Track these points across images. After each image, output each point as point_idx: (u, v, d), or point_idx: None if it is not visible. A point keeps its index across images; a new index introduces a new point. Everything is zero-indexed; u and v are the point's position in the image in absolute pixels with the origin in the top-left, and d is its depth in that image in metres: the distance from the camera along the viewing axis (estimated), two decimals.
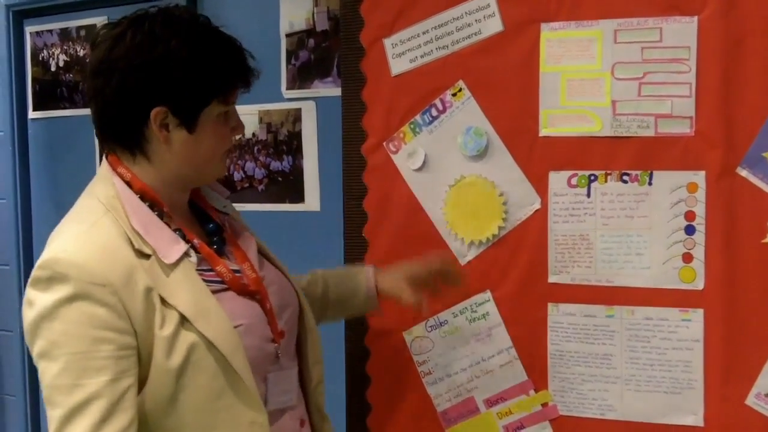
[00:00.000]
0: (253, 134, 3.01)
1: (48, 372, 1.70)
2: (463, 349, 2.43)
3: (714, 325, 2.20)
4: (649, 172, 2.24)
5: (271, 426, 1.90)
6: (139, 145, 1.86)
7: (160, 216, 1.87)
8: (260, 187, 3.03)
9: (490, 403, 2.41)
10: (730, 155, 2.16)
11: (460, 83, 2.39)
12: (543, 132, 2.32)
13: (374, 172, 2.49)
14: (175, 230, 1.87)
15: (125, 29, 1.82)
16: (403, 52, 2.44)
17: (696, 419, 2.23)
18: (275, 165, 3.00)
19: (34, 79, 3.69)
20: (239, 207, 2.92)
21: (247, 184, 3.06)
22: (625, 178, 2.26)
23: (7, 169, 3.72)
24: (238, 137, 2.02)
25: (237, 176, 3.06)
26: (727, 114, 2.16)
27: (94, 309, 1.69)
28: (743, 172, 2.16)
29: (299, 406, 2.05)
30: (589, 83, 2.28)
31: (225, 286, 1.89)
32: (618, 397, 2.29)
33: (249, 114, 2.99)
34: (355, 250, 2.51)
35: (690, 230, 2.21)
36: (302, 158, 2.94)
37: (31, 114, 3.70)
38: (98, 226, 1.79)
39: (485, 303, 2.40)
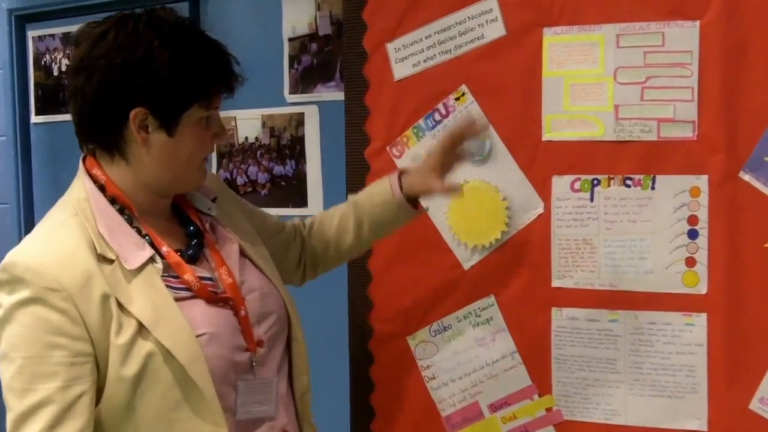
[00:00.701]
0: (256, 138, 3.01)
1: (5, 373, 1.71)
2: (467, 354, 2.43)
3: (717, 329, 2.20)
4: (651, 176, 2.24)
5: None
6: (118, 146, 1.82)
7: (130, 221, 1.84)
8: (263, 192, 3.03)
9: (495, 407, 2.41)
10: (732, 159, 2.17)
11: (463, 87, 2.40)
12: (546, 136, 2.33)
13: (377, 176, 2.47)
14: (144, 236, 1.84)
15: (108, 28, 1.80)
16: (406, 56, 2.45)
17: (700, 424, 2.23)
18: (278, 169, 3.00)
19: (36, 84, 3.69)
20: None
21: (250, 189, 3.06)
22: (628, 182, 2.26)
23: (10, 174, 3.71)
24: (221, 143, 1.98)
25: (240, 180, 3.06)
26: (730, 118, 2.17)
27: (48, 314, 1.68)
28: (746, 177, 2.16)
29: (282, 417, 1.98)
30: (591, 88, 2.28)
31: (192, 294, 1.84)
32: (622, 401, 2.29)
33: (252, 118, 2.98)
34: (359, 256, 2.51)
35: (693, 234, 2.21)
36: (305, 163, 2.94)
37: (34, 119, 3.69)
38: (61, 230, 1.78)
39: (489, 307, 2.40)
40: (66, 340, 1.68)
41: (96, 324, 1.70)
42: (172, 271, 1.83)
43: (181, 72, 1.78)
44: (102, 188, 1.84)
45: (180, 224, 1.98)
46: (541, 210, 2.35)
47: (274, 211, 2.92)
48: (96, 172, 1.85)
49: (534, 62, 2.33)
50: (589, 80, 2.28)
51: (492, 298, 2.40)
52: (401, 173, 2.23)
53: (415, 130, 2.45)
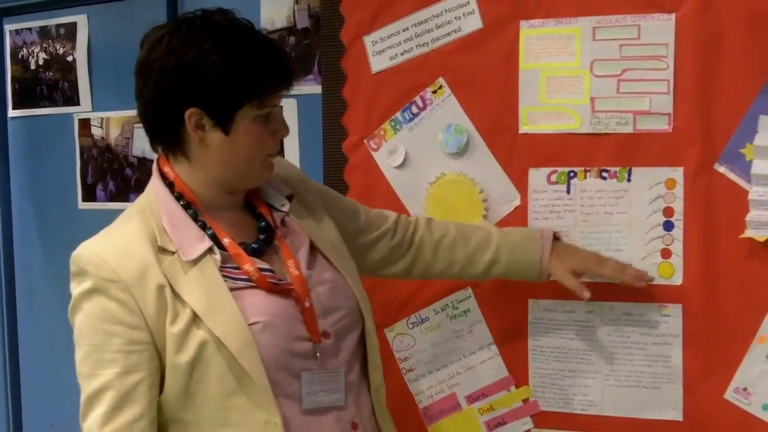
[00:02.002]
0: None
1: (77, 358, 1.83)
2: (444, 346, 2.44)
3: (693, 320, 2.22)
4: (627, 168, 2.25)
5: (308, 423, 1.90)
6: (178, 145, 1.89)
7: (195, 215, 1.90)
8: None
9: (472, 399, 2.42)
10: (708, 151, 2.18)
11: (441, 81, 2.40)
12: (523, 129, 2.34)
13: (355, 169, 2.50)
14: (207, 229, 1.90)
15: (165, 32, 1.86)
16: (384, 49, 2.45)
17: (676, 413, 2.24)
18: None
19: (13, 78, 3.67)
20: None
21: None
22: (605, 174, 2.27)
23: None
24: (282, 138, 2.00)
25: None
26: (705, 111, 2.18)
27: (107, 304, 1.79)
28: (721, 168, 2.17)
29: (351, 408, 1.98)
30: (568, 80, 2.29)
31: (251, 284, 1.88)
32: (598, 392, 2.31)
33: None
34: None
35: (668, 226, 2.23)
36: (283, 155, 2.94)
37: (11, 112, 3.68)
38: (124, 226, 1.89)
39: (466, 299, 2.41)
40: (123, 328, 1.78)
41: (152, 313, 1.79)
42: (233, 262, 1.89)
43: (229, 73, 1.82)
44: (171, 185, 1.92)
45: (253, 218, 2.02)
46: (518, 202, 2.36)
47: None
48: (167, 169, 1.93)
49: (511, 55, 2.34)
50: (566, 73, 2.29)
51: (469, 291, 2.41)
52: (555, 238, 2.27)
53: (392, 123, 2.46)
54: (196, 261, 1.84)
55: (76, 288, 1.84)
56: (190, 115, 1.82)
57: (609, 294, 2.28)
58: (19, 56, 3.64)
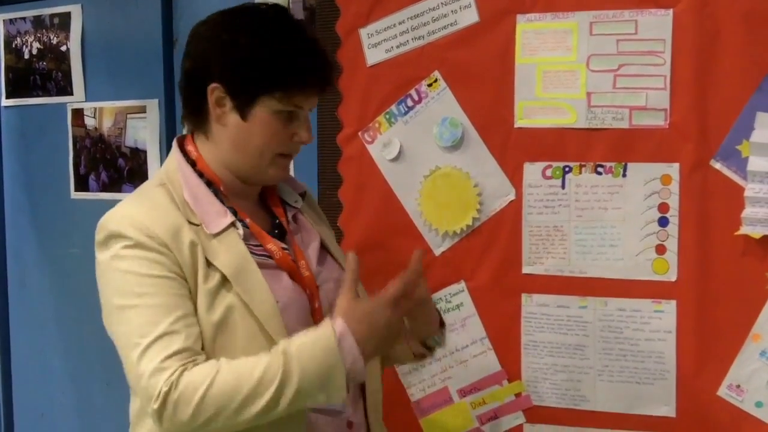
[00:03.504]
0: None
1: (118, 320, 1.77)
2: None
3: (687, 316, 2.21)
4: (623, 164, 2.25)
5: (310, 421, 1.86)
6: (201, 120, 1.90)
7: (216, 194, 1.90)
8: None
9: (464, 393, 2.42)
10: (704, 148, 2.18)
11: (436, 74, 2.40)
12: (518, 123, 2.33)
13: (349, 162, 2.49)
14: (228, 208, 1.89)
15: (218, 13, 1.92)
16: (379, 42, 2.44)
17: (668, 410, 2.24)
18: None
19: (7, 67, 3.66)
20: None
21: None
22: (600, 169, 2.27)
23: None
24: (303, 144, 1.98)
25: None
26: (702, 107, 2.18)
27: (152, 255, 1.76)
28: (717, 165, 2.17)
29: (349, 408, 1.93)
30: (564, 75, 2.29)
31: (272, 262, 1.88)
32: (591, 387, 2.31)
33: None
34: None
35: (663, 222, 2.22)
36: None
37: (4, 101, 3.66)
38: (149, 195, 1.88)
39: (459, 293, 2.41)
40: (173, 274, 1.76)
41: (188, 268, 1.78)
42: (255, 240, 1.89)
43: (260, 57, 1.83)
44: (193, 164, 1.92)
45: (266, 213, 2.02)
46: (512, 197, 2.35)
47: None
48: (190, 148, 1.94)
49: (507, 49, 2.34)
50: (562, 67, 2.29)
51: (462, 284, 2.41)
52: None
53: (387, 116, 2.45)
54: (220, 233, 1.84)
55: (109, 250, 1.80)
56: (213, 89, 1.83)
57: (603, 289, 2.28)
58: (13, 45, 3.63)
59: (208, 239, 1.82)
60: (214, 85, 1.83)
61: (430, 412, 2.46)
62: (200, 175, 1.91)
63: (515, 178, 2.35)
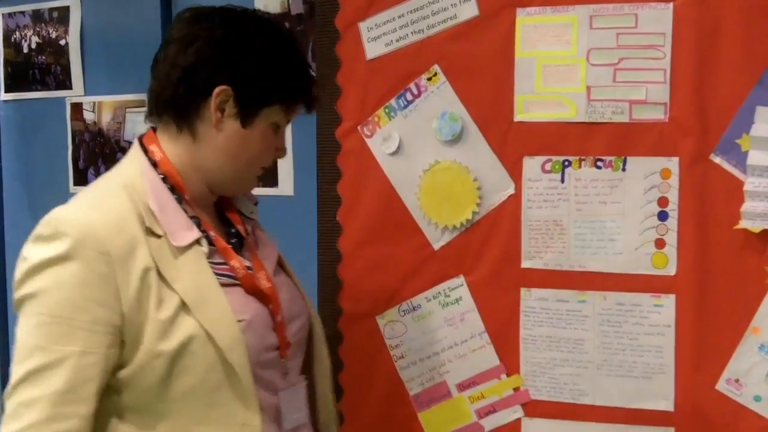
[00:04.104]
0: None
1: (22, 326, 1.67)
2: (435, 334, 2.43)
3: (686, 310, 2.21)
4: (623, 158, 2.25)
5: None
6: (191, 119, 1.83)
7: (179, 202, 1.82)
8: None
9: (462, 387, 2.41)
10: (703, 142, 2.18)
11: (436, 67, 2.39)
12: (518, 117, 2.33)
13: (348, 156, 2.48)
14: (191, 217, 1.83)
15: (214, 10, 1.87)
16: (379, 35, 2.44)
17: (667, 404, 2.24)
18: None
19: (6, 61, 3.66)
20: None
21: None
22: (599, 164, 2.27)
23: None
24: (279, 157, 1.98)
25: None
26: (702, 101, 2.17)
27: (86, 274, 1.65)
28: (716, 159, 2.17)
29: (308, 424, 1.99)
30: (564, 69, 2.28)
31: (235, 281, 1.83)
32: (590, 381, 2.30)
33: None
34: (329, 235, 2.51)
35: (663, 216, 2.22)
36: None
37: (3, 96, 3.67)
38: (110, 199, 1.76)
39: (458, 288, 2.40)
40: (95, 305, 1.65)
41: (132, 296, 1.67)
42: (218, 257, 1.83)
43: (274, 66, 1.83)
44: (154, 164, 1.84)
45: (222, 223, 1.98)
46: (512, 191, 2.35)
47: None
48: (153, 147, 1.85)
49: (507, 43, 2.33)
50: (562, 61, 2.28)
51: (461, 279, 2.40)
52: None
53: (386, 110, 2.44)
54: (185, 248, 1.77)
55: (45, 251, 1.66)
56: (220, 92, 1.79)
57: (602, 284, 2.28)
58: (12, 40, 3.63)
59: (170, 254, 1.74)
60: (222, 87, 1.79)
61: (428, 406, 2.45)
62: (163, 179, 1.83)
63: (515, 172, 2.34)
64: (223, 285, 1.79)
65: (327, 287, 2.53)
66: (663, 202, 2.22)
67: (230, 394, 1.75)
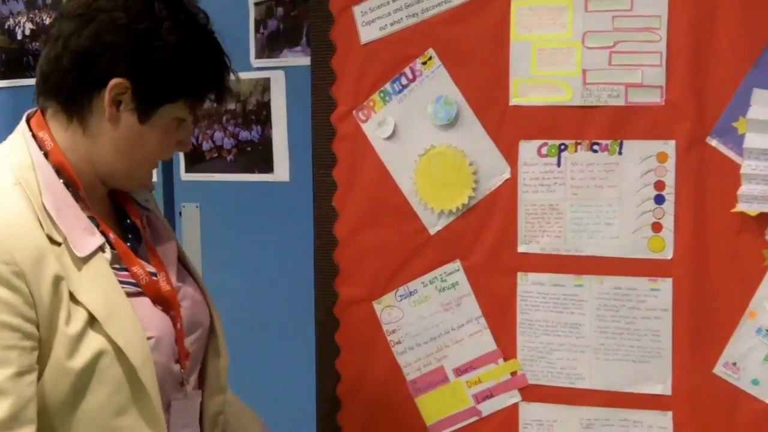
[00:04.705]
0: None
1: None
2: (432, 319, 2.42)
3: (683, 294, 2.21)
4: (619, 141, 2.24)
5: None
6: (81, 110, 1.64)
7: (75, 199, 1.65)
8: (229, 158, 3.01)
9: (460, 372, 2.41)
10: (700, 125, 2.17)
11: (430, 51, 2.38)
12: (513, 101, 2.31)
13: (344, 141, 2.47)
14: (88, 217, 1.66)
15: None
16: (373, 20, 2.42)
17: (664, 388, 2.24)
18: (244, 135, 2.99)
19: (0, 48, 3.66)
20: (208, 177, 2.91)
21: (215, 155, 3.04)
22: (595, 147, 2.26)
23: None
24: (182, 151, 1.84)
25: (206, 146, 3.04)
26: (698, 84, 2.16)
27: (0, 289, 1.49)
28: (713, 142, 2.16)
29: None
30: (559, 52, 2.27)
31: (138, 290, 1.68)
32: (587, 366, 2.30)
33: None
34: (324, 220, 2.49)
35: (659, 200, 2.21)
36: (271, 128, 2.92)
37: None
38: (5, 199, 1.58)
39: (455, 272, 2.40)
40: (17, 320, 1.49)
41: (45, 307, 1.52)
42: (121, 262, 1.68)
43: (181, 60, 1.65)
44: (45, 156, 1.65)
45: (115, 214, 1.82)
46: (507, 175, 2.34)
47: (240, 177, 2.92)
48: (43, 135, 1.67)
49: (502, 26, 2.31)
50: (557, 45, 2.27)
51: (458, 263, 2.40)
52: None
53: (381, 95, 2.43)
54: (88, 257, 1.61)
55: None
56: (115, 85, 1.61)
57: (598, 268, 2.27)
58: (6, 26, 3.62)
59: (73, 265, 1.58)
60: (118, 80, 1.60)
61: (425, 391, 2.45)
62: (57, 173, 1.64)
63: (510, 156, 2.33)
64: (128, 295, 1.65)
65: (323, 273, 2.52)
66: (659, 185, 2.21)
67: (139, 416, 1.62)
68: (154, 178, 3.01)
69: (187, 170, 3.04)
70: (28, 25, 3.57)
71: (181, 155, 3.02)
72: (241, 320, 2.88)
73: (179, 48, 1.65)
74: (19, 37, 3.59)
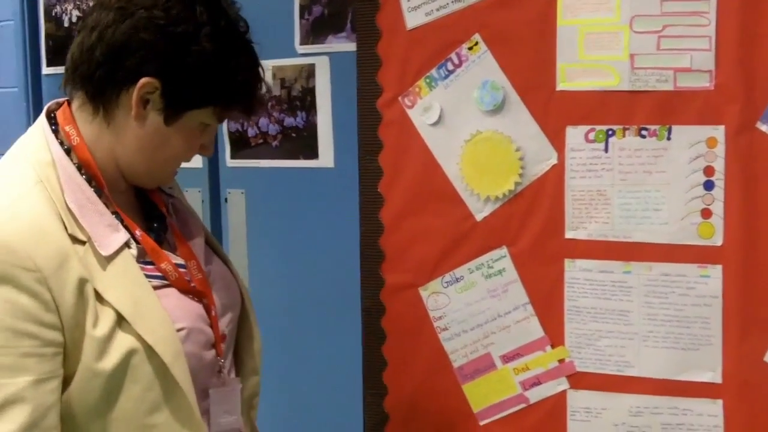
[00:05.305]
0: (267, 90, 2.99)
1: None
2: (479, 305, 2.42)
3: (732, 281, 2.18)
4: (667, 126, 2.22)
5: None
6: (108, 104, 1.62)
7: (98, 195, 1.63)
8: (274, 143, 3.01)
9: (507, 359, 2.40)
10: (749, 110, 2.14)
11: (476, 37, 2.37)
12: (560, 86, 2.30)
13: (390, 126, 2.47)
14: (112, 213, 1.64)
15: None
16: (419, 5, 2.42)
17: (714, 376, 2.22)
18: (289, 121, 2.98)
19: (47, 35, 3.66)
20: (253, 163, 2.91)
21: (261, 141, 3.04)
22: (644, 132, 2.24)
23: (21, 125, 3.70)
24: (204, 156, 1.81)
25: (251, 132, 3.04)
26: (747, 68, 2.14)
27: (17, 296, 1.47)
28: (763, 127, 2.13)
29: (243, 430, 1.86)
30: (607, 36, 2.25)
31: (166, 282, 1.67)
32: (635, 353, 2.28)
33: None
34: (370, 206, 2.50)
35: (709, 185, 2.19)
36: (316, 114, 2.92)
37: (45, 70, 3.67)
38: (26, 200, 1.55)
39: (501, 259, 2.39)
40: (36, 327, 1.47)
41: (70, 311, 1.50)
42: (147, 257, 1.66)
43: (214, 69, 1.62)
44: (68, 151, 1.64)
45: (138, 201, 1.80)
46: (554, 161, 2.32)
47: (284, 163, 2.92)
48: (69, 130, 1.65)
49: (548, 11, 2.30)
50: (605, 29, 2.25)
51: (504, 250, 2.39)
52: None
53: (427, 80, 2.43)
54: (114, 255, 1.59)
55: None
56: (145, 84, 1.58)
57: (647, 254, 2.26)
58: (53, 14, 3.63)
59: (98, 264, 1.56)
60: (148, 80, 1.58)
61: (472, 377, 2.44)
62: (78, 167, 1.62)
63: (557, 141, 2.32)
64: (155, 288, 1.64)
65: (369, 259, 2.53)
66: (709, 171, 2.19)
67: (172, 413, 1.61)
68: (200, 165, 3.02)
69: (233, 156, 3.03)
70: (75, 12, 3.58)
71: (227, 141, 3.02)
72: (287, 307, 2.89)
73: (215, 56, 1.62)
74: (66, 24, 3.60)
